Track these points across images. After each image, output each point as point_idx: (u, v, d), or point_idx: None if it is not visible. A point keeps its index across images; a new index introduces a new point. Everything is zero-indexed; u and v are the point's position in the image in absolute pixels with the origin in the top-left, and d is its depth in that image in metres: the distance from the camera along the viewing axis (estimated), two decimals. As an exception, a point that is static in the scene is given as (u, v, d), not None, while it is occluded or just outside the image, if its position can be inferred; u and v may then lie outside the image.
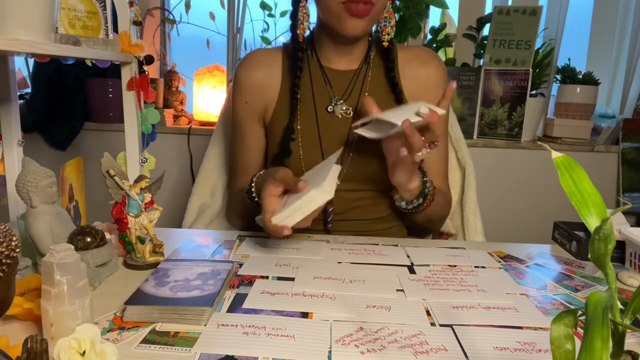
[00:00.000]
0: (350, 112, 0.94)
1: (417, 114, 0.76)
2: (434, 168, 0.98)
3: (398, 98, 0.95)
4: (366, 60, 0.96)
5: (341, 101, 0.94)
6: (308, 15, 0.90)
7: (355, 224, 0.96)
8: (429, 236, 1.10)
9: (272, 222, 0.72)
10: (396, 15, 1.70)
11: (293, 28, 0.92)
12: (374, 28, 0.95)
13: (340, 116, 0.93)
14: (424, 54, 0.99)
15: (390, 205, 0.96)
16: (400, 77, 0.96)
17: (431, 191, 0.87)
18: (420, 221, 0.97)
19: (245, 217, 1.01)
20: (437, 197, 0.90)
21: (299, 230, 0.78)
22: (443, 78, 0.98)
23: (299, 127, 0.93)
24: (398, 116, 0.76)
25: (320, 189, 0.70)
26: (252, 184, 0.87)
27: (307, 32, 0.93)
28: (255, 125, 0.99)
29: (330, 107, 0.94)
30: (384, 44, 0.93)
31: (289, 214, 0.71)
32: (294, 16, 0.91)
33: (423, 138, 0.76)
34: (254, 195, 0.86)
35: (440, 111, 0.77)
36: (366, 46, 0.96)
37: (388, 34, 0.91)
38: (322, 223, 0.94)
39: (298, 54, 0.92)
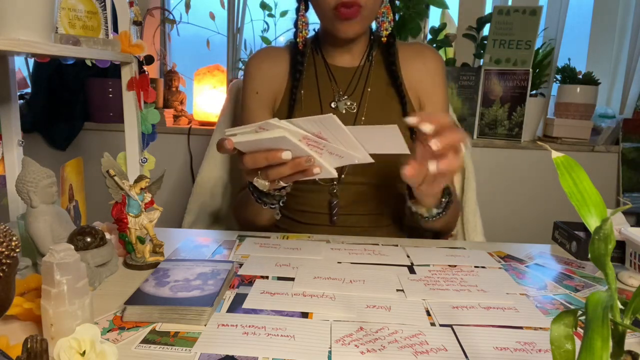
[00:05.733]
0: (354, 107, 0.96)
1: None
2: None
3: (399, 90, 0.96)
4: (368, 58, 0.99)
5: (345, 97, 0.97)
6: (307, 24, 0.95)
7: (360, 218, 0.96)
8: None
9: (226, 132, 0.65)
10: (396, 15, 1.70)
11: (295, 35, 0.96)
12: (373, 26, 0.97)
13: (344, 111, 0.96)
14: (419, 47, 1.02)
15: (395, 200, 0.97)
16: (401, 73, 0.98)
17: (452, 190, 0.82)
18: (441, 226, 0.89)
19: (244, 222, 1.01)
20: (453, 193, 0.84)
21: (300, 230, 0.76)
22: (440, 65, 1.00)
23: None
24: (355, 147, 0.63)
25: (281, 124, 0.60)
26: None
27: (312, 33, 0.99)
28: (265, 116, 1.00)
29: (333, 102, 0.97)
30: (382, 39, 0.95)
31: (243, 130, 0.63)
32: (295, 24, 0.96)
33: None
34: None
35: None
36: (367, 43, 0.99)
37: (386, 30, 0.94)
38: (328, 217, 0.95)
39: (298, 57, 0.96)
